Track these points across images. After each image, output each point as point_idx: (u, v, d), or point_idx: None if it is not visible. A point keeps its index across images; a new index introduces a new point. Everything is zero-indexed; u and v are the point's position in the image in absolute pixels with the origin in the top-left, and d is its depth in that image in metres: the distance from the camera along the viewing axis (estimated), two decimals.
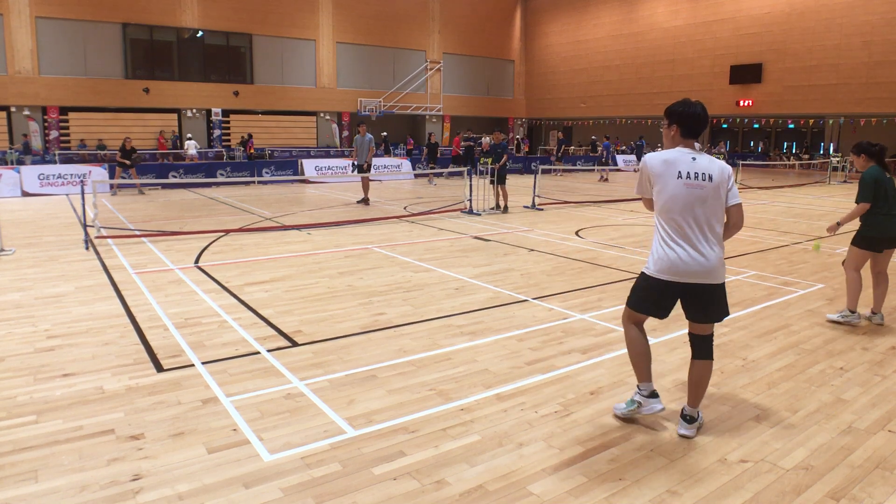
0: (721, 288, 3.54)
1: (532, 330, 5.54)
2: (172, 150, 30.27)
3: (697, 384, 3.64)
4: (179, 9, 31.05)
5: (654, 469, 3.27)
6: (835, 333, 5.55)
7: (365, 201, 15.43)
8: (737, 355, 4.95)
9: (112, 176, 18.18)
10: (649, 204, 3.67)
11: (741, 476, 3.21)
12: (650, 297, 3.62)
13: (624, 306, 3.84)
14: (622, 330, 3.96)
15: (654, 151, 3.68)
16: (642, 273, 3.67)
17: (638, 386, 3.78)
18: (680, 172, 3.45)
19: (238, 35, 32.83)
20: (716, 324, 3.68)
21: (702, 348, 3.66)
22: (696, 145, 3.61)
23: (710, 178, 3.44)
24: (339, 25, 35.56)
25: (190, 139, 27.22)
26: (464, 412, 3.90)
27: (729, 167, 3.59)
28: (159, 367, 4.59)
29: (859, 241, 5.74)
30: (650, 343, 5.13)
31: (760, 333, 5.50)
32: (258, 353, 4.91)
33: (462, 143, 23.88)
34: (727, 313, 3.64)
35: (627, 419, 3.82)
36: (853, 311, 5.81)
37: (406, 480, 3.13)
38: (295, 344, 5.13)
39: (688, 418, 3.66)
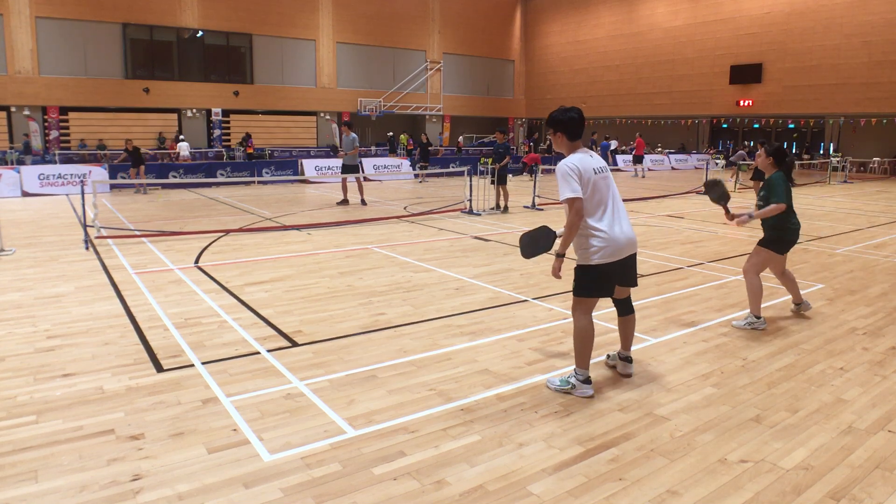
0: (635, 255, 4.25)
1: (532, 330, 5.54)
2: (159, 149, 30.09)
3: (628, 333, 4.49)
4: (179, 9, 31.05)
5: (654, 469, 3.27)
6: (835, 333, 5.54)
7: (362, 202, 15.44)
8: (737, 355, 4.95)
9: (127, 177, 18.87)
10: (580, 205, 3.89)
11: (741, 476, 3.21)
12: (602, 283, 4.11)
13: (574, 299, 4.20)
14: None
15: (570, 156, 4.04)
16: (586, 266, 4.06)
17: (576, 370, 4.19)
18: (594, 168, 3.99)
19: (238, 35, 32.84)
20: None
21: (626, 306, 4.45)
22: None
23: (606, 168, 4.09)
24: (339, 25, 35.57)
25: (182, 140, 26.47)
26: (464, 412, 3.90)
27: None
28: (159, 367, 4.59)
29: (777, 243, 5.57)
30: (651, 343, 5.17)
31: (760, 333, 5.49)
32: (258, 353, 4.91)
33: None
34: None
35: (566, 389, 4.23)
36: (759, 317, 5.60)
37: (406, 480, 3.13)
38: (295, 344, 5.13)
39: (628, 359, 4.50)
